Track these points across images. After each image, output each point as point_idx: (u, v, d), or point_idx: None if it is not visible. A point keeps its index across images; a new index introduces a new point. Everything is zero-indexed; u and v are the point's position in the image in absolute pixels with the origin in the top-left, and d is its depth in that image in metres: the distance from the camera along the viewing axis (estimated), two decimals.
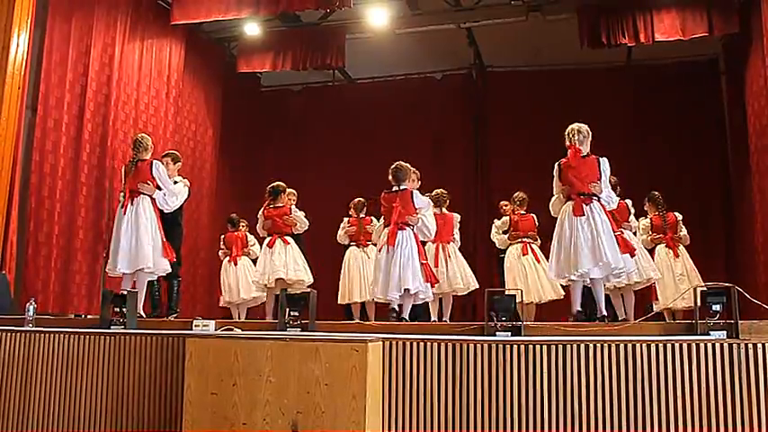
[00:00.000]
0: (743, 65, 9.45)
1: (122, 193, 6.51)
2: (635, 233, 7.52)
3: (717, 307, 4.21)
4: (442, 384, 4.16)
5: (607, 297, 7.14)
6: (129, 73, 9.50)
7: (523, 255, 8.12)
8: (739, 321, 4.11)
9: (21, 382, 4.94)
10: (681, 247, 7.94)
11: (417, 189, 6.64)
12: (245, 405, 4.01)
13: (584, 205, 5.46)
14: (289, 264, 7.32)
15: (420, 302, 6.43)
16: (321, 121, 12.63)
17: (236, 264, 9.01)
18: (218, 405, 4.06)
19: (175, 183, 6.90)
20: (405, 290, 6.03)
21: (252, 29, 10.63)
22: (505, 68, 12.04)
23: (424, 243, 6.65)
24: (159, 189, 6.49)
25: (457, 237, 7.95)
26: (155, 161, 6.56)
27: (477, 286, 7.81)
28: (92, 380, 4.80)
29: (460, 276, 7.65)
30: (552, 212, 5.85)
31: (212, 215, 11.10)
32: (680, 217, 8.06)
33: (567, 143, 5.69)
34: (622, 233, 6.54)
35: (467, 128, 12.25)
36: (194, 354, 4.21)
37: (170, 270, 6.55)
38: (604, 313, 5.52)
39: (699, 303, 4.29)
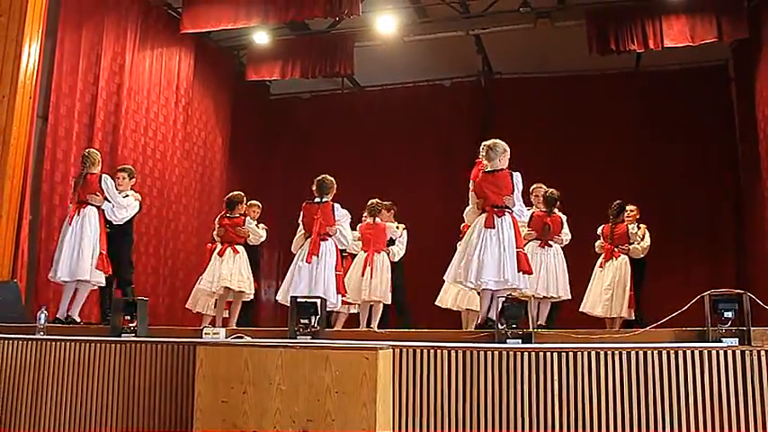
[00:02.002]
0: (753, 70, 9.41)
1: (70, 204, 6.77)
2: (563, 246, 7.56)
3: (729, 314, 4.19)
4: (453, 391, 4.15)
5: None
6: (139, 82, 9.55)
7: None
8: (752, 328, 4.09)
9: (32, 391, 4.95)
10: (621, 258, 8.02)
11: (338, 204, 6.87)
12: (255, 413, 4.01)
13: (495, 217, 5.54)
14: (234, 273, 7.50)
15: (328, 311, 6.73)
16: (330, 129, 12.66)
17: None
18: (229, 413, 4.06)
19: (125, 197, 7.06)
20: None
21: (261, 37, 10.67)
22: (514, 75, 12.04)
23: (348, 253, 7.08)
24: (108, 201, 6.70)
25: (396, 248, 8.11)
26: (104, 175, 6.76)
27: (386, 300, 7.84)
28: (102, 388, 4.81)
29: (378, 287, 7.73)
30: (466, 221, 6.03)
31: None
32: (634, 229, 8.17)
33: (488, 158, 5.77)
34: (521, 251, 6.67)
35: (475, 135, 12.16)
36: (205, 361, 4.22)
37: (103, 282, 6.71)
38: (491, 318, 5.45)
39: (710, 310, 4.27)
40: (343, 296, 6.75)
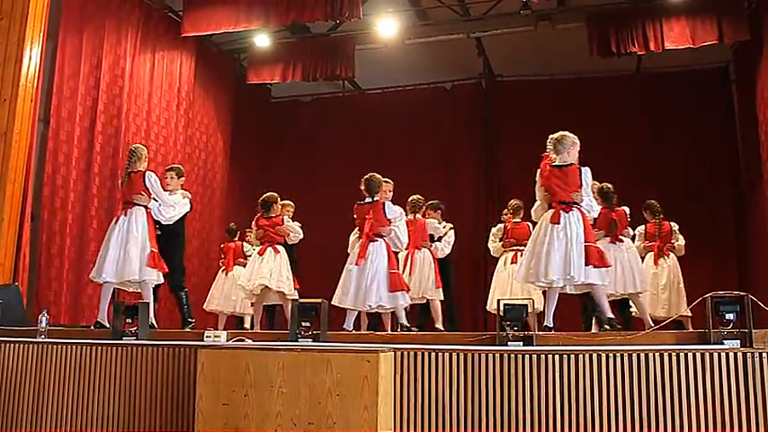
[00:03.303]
0: (754, 72, 9.40)
1: (120, 205, 6.61)
2: (633, 240, 7.45)
3: (730, 316, 4.19)
4: (454, 394, 4.15)
5: (624, 302, 7.21)
6: (141, 85, 9.56)
7: (512, 263, 7.97)
8: (753, 330, 4.08)
9: (33, 394, 4.95)
10: (671, 256, 7.94)
11: (390, 200, 6.76)
12: (256, 416, 4.01)
13: (562, 213, 5.47)
14: (274, 273, 7.36)
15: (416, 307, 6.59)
16: (331, 132, 12.65)
17: (226, 274, 9.20)
18: (230, 416, 4.06)
19: (173, 195, 6.92)
20: (368, 306, 6.24)
21: (262, 40, 10.68)
22: (515, 78, 12.03)
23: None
24: (155, 200, 6.51)
25: (440, 244, 7.95)
26: (148, 172, 6.54)
27: (437, 298, 7.68)
28: (104, 391, 4.81)
29: (423, 284, 7.61)
30: (534, 218, 5.92)
31: (223, 226, 11.10)
32: (675, 227, 8.05)
33: (555, 152, 5.69)
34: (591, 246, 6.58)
35: (477, 137, 12.24)
36: (206, 364, 4.21)
37: (160, 281, 6.52)
38: (550, 326, 5.44)
39: (712, 312, 4.27)
40: (406, 292, 6.51)
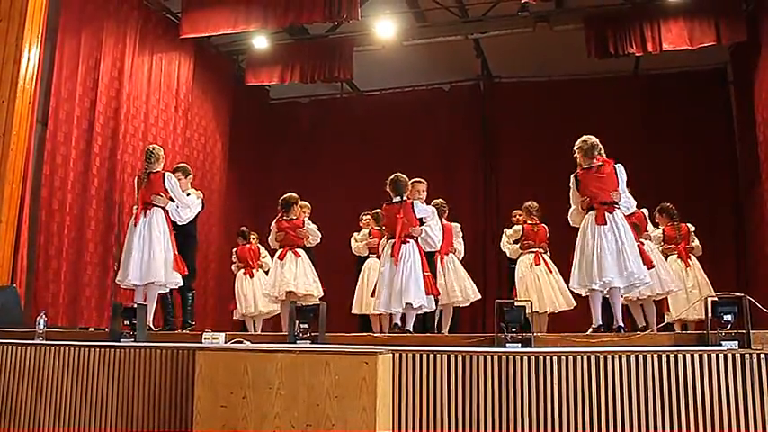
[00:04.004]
0: (751, 73, 9.42)
1: (135, 206, 6.49)
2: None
3: (728, 317, 4.19)
4: (453, 396, 4.15)
5: (626, 307, 7.08)
6: (139, 87, 9.55)
7: (536, 264, 8.01)
8: (751, 331, 4.08)
9: (31, 395, 4.95)
10: (693, 257, 7.91)
11: (423, 200, 6.64)
12: (254, 417, 4.01)
13: (606, 214, 5.46)
14: (299, 277, 7.23)
15: (422, 313, 6.39)
16: (329, 133, 12.67)
17: (251, 276, 9.04)
18: (228, 417, 4.06)
19: (188, 195, 6.87)
20: (407, 304, 6.02)
21: (260, 42, 10.68)
22: (513, 79, 12.05)
23: (430, 254, 6.60)
24: (172, 201, 6.47)
25: (460, 247, 7.91)
26: (167, 173, 6.53)
27: (479, 297, 7.76)
28: (102, 393, 4.81)
29: (459, 288, 7.60)
30: (572, 223, 5.85)
31: (222, 227, 11.13)
32: (692, 228, 8.04)
33: (589, 156, 5.67)
34: (642, 244, 6.53)
35: (475, 138, 12.25)
36: (204, 366, 4.21)
37: (182, 283, 6.51)
38: (621, 324, 5.46)
39: (710, 313, 4.27)
40: (436, 296, 6.40)
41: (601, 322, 5.47)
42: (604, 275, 5.32)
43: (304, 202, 8.02)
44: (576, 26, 9.77)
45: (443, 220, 7.69)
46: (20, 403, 4.97)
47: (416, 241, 6.26)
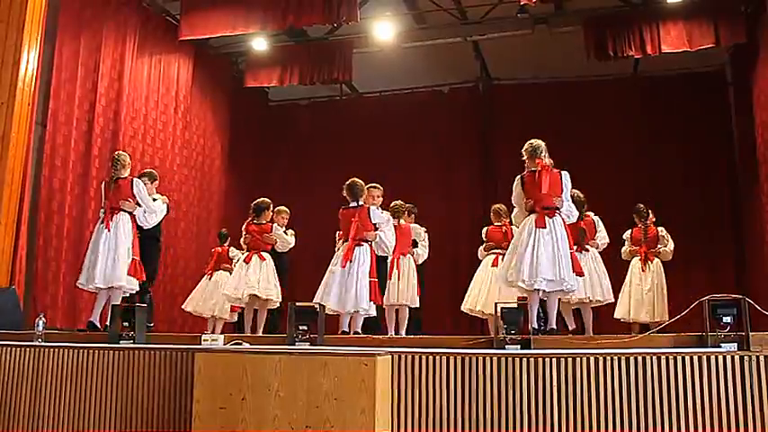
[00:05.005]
0: (750, 75, 9.43)
1: (102, 210, 6.61)
2: (600, 252, 7.32)
3: (727, 319, 4.19)
4: (452, 398, 4.15)
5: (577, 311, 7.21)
6: (138, 89, 9.55)
7: (493, 266, 7.82)
8: (750, 333, 4.08)
9: (30, 398, 4.94)
10: (656, 261, 7.99)
11: (378, 205, 6.83)
12: (253, 419, 4.00)
13: (547, 218, 5.50)
14: (261, 281, 7.33)
15: (365, 316, 6.53)
16: (328, 135, 12.65)
17: (210, 277, 9.14)
18: (227, 419, 4.05)
19: (154, 200, 6.99)
20: (355, 311, 6.25)
21: (259, 44, 10.70)
22: (512, 81, 12.06)
23: (383, 258, 6.86)
24: (139, 206, 6.60)
25: (422, 251, 7.94)
26: (135, 179, 6.67)
27: (417, 305, 7.66)
28: (101, 395, 4.80)
29: (407, 291, 7.58)
30: (515, 224, 5.97)
31: (221, 229, 11.09)
32: (663, 231, 8.09)
33: (534, 158, 5.71)
34: (588, 250, 6.80)
35: (474, 140, 12.25)
36: (203, 368, 4.21)
37: (136, 289, 6.60)
38: (554, 326, 5.50)
39: (709, 315, 4.27)
40: (378, 303, 6.56)
41: (536, 326, 5.41)
42: (534, 277, 5.34)
43: (283, 208, 8.12)
44: (574, 28, 9.79)
45: (402, 221, 7.80)
46: (19, 405, 4.96)
47: (370, 245, 6.46)
